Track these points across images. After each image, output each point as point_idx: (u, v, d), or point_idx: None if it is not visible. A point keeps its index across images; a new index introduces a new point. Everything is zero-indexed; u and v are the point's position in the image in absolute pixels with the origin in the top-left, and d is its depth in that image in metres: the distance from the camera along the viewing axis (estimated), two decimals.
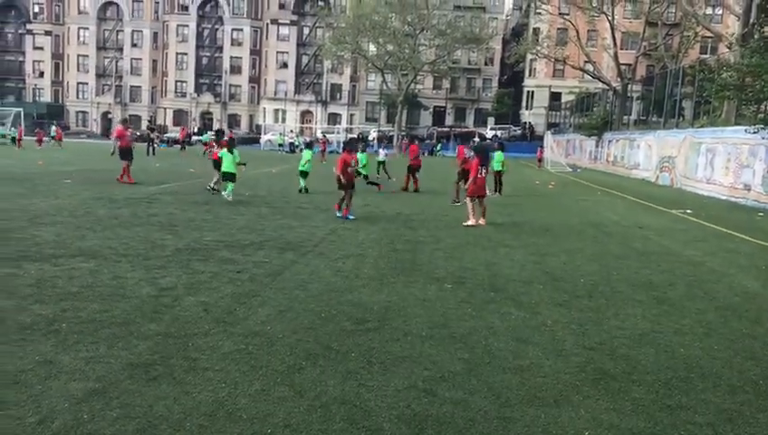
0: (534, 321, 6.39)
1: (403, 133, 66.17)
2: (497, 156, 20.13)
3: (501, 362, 5.16)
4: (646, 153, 34.04)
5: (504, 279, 8.24)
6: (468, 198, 13.59)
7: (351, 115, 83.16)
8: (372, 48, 66.62)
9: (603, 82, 49.66)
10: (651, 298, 7.59)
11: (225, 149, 16.07)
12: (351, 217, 13.30)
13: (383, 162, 24.84)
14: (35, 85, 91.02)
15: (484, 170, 13.51)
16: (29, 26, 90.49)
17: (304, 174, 18.96)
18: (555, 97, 71.57)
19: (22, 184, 17.59)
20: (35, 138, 47.37)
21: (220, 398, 4.25)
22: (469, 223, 13.13)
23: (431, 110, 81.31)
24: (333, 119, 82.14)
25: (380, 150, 25.43)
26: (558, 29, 62.57)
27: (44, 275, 7.32)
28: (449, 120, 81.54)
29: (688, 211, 17.86)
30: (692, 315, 6.91)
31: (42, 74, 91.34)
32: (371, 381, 4.65)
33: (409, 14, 63.04)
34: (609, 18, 47.01)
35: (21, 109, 56.58)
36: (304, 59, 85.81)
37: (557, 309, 6.87)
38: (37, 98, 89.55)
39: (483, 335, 5.85)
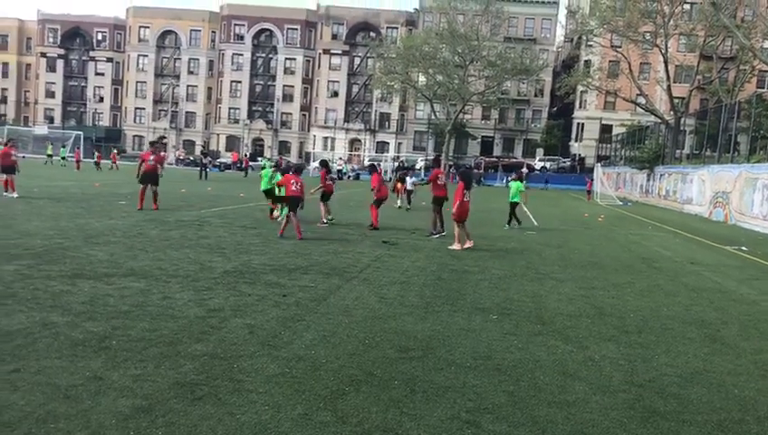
0: (581, 355, 6.27)
1: (451, 162, 66.18)
2: (514, 186, 19.14)
3: (546, 396, 5.07)
4: (699, 188, 33.27)
5: (551, 312, 8.12)
6: (455, 223, 13.72)
7: (399, 144, 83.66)
8: (422, 78, 67.15)
9: (656, 116, 48.92)
10: (703, 336, 7.37)
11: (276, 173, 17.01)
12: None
13: (410, 191, 24.90)
14: (95, 110, 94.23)
15: (468, 195, 13.89)
16: (92, 53, 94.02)
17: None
18: (606, 129, 70.77)
19: (78, 204, 18.15)
20: (94, 160, 48.91)
21: (263, 420, 4.27)
22: (455, 247, 13.38)
23: (479, 139, 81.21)
24: (381, 147, 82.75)
25: (408, 179, 25.43)
26: (610, 61, 62.04)
27: (97, 293, 7.52)
28: (497, 150, 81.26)
29: (743, 248, 17.33)
30: (747, 355, 6.67)
31: (102, 99, 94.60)
32: (414, 410, 4.61)
33: (460, 46, 63.43)
34: (663, 51, 46.43)
35: (81, 132, 58.57)
36: (354, 88, 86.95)
37: (605, 344, 6.73)
38: (97, 122, 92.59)
39: (528, 368, 5.76)
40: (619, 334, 7.16)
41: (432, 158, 20.56)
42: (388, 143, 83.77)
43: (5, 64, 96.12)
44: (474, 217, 21.25)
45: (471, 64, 64.67)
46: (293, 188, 13.74)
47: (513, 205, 18.95)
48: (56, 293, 7.36)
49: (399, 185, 25.75)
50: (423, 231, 16.19)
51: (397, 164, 26.08)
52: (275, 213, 16.94)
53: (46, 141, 58.46)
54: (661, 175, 41.50)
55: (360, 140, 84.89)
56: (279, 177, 15.41)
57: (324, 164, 18.35)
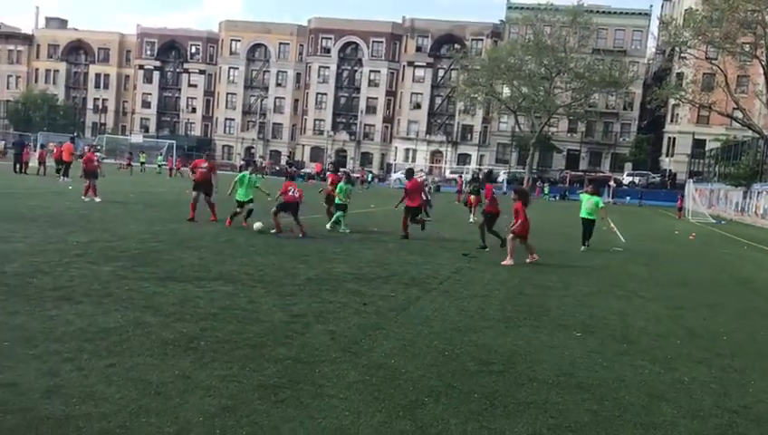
0: (670, 377, 6.03)
1: (534, 176, 65.19)
2: (593, 201, 16.53)
3: (632, 417, 4.91)
4: None
5: (638, 331, 7.85)
6: (511, 237, 13.26)
7: (482, 156, 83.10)
8: (506, 90, 66.55)
9: (754, 130, 46.64)
10: None
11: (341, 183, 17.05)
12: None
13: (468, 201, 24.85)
14: (188, 120, 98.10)
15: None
16: (186, 66, 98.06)
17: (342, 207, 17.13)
18: (699, 144, 67.98)
19: (171, 211, 18.92)
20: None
21: (343, 426, 4.33)
22: (508, 262, 12.81)
23: (564, 153, 79.64)
24: (463, 159, 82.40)
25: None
26: (704, 74, 59.63)
27: (187, 295, 7.82)
28: (583, 164, 79.48)
29: None
30: None
31: (194, 110, 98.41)
32: (494, 425, 4.56)
33: (546, 58, 62.55)
34: (763, 63, 44.28)
35: (174, 141, 61.09)
36: (437, 100, 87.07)
37: (695, 366, 6.45)
38: (189, 132, 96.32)
39: (613, 387, 5.59)
40: (711, 357, 6.85)
41: (486, 173, 19.31)
42: (470, 155, 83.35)
43: (107, 76, 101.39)
44: (558, 232, 20.86)
45: (557, 76, 63.66)
46: (291, 194, 14.75)
47: (586, 223, 16.52)
48: (149, 294, 7.70)
49: (473, 198, 24.78)
50: (497, 246, 15.98)
51: (470, 176, 25.28)
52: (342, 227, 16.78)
53: (137, 150, 61.11)
54: (759, 193, 39.46)
55: (441, 152, 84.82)
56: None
57: (410, 174, 18.07)
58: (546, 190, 58.89)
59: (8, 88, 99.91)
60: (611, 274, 12.80)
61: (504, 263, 12.73)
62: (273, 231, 14.62)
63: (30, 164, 34.11)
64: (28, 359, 5.11)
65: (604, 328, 7.87)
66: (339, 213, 16.83)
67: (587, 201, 16.68)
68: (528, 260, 13.22)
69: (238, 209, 15.60)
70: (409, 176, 17.59)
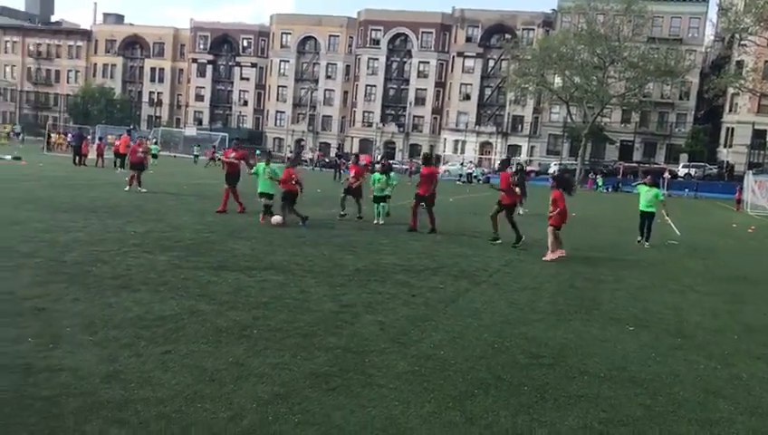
0: (726, 373, 5.89)
1: (586, 167, 64.07)
2: (653, 193, 15.69)
3: (686, 413, 4.81)
4: None
5: (693, 326, 7.68)
6: (552, 229, 12.46)
7: (532, 147, 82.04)
8: (558, 80, 65.41)
9: None
10: None
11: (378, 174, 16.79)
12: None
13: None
14: (240, 112, 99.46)
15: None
16: (238, 59, 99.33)
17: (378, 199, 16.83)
18: (759, 135, 65.67)
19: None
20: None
21: (393, 415, 4.36)
22: (550, 257, 12.16)
23: (618, 144, 77.89)
24: (513, 150, 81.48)
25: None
26: (765, 62, 57.59)
27: (240, 284, 7.97)
28: (637, 155, 77.60)
29: None
30: None
31: (246, 103, 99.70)
32: (545, 417, 4.53)
33: (599, 47, 61.15)
34: None
35: (226, 134, 62.07)
36: (487, 91, 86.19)
37: (754, 363, 6.28)
38: (241, 124, 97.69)
39: (667, 382, 5.49)
40: None
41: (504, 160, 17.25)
42: (520, 146, 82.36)
43: (161, 70, 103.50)
44: (611, 225, 20.48)
45: (611, 66, 62.18)
46: (293, 184, 14.39)
47: (645, 216, 15.72)
48: (203, 283, 7.87)
49: (518, 190, 24.16)
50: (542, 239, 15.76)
51: (515, 167, 24.48)
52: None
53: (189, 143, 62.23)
54: None
55: (491, 144, 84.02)
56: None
57: (427, 160, 16.48)
58: (600, 182, 57.81)
59: (68, 82, 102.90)
60: (666, 267, 12.52)
61: (545, 258, 12.16)
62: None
63: (89, 156, 35.09)
64: (89, 345, 5.30)
65: (658, 322, 7.72)
66: (382, 205, 16.49)
67: (645, 193, 15.84)
68: (550, 256, 12.22)
69: (269, 202, 14.46)
70: (427, 162, 16.15)
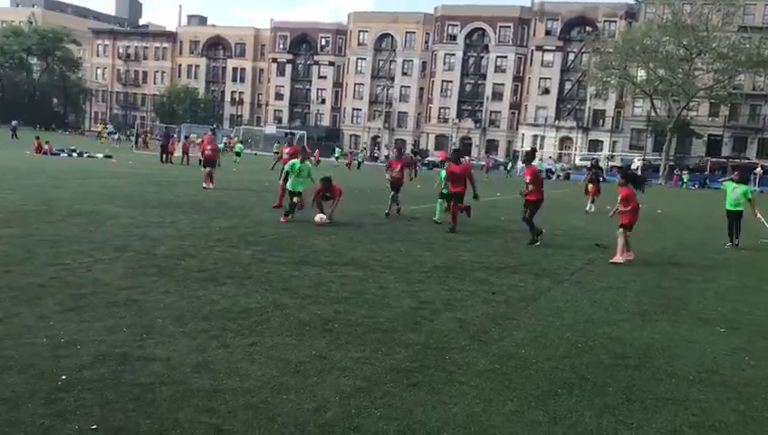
0: None
1: (671, 163, 61.81)
2: (740, 190, 14.52)
3: None
4: None
5: None
6: (621, 230, 11.36)
7: (614, 142, 79.79)
8: (641, 73, 63.34)
9: None
10: None
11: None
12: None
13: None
14: (318, 110, 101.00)
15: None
16: (316, 58, 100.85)
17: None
18: None
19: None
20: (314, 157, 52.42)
21: (475, 413, 4.35)
22: (618, 259, 11.10)
23: (705, 138, 74.80)
24: (594, 145, 79.51)
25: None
26: None
27: (321, 279, 8.11)
28: (726, 150, 74.25)
29: None
30: None
31: (323, 101, 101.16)
32: (631, 419, 4.42)
33: (685, 38, 58.83)
34: None
35: (305, 132, 63.16)
36: (567, 85, 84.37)
37: None
38: (318, 122, 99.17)
39: (762, 387, 5.25)
40: None
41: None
42: (601, 141, 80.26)
43: (243, 70, 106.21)
44: (698, 223, 19.70)
45: (698, 57, 59.75)
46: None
47: (732, 215, 14.58)
48: (286, 277, 8.06)
49: (591, 187, 22.37)
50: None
51: (590, 162, 23.19)
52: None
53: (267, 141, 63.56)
54: None
55: (570, 139, 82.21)
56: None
57: (457, 155, 15.17)
58: (685, 178, 55.72)
59: (155, 83, 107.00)
60: (758, 267, 11.97)
61: (613, 260, 11.13)
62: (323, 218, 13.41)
63: (175, 154, 36.41)
64: (179, 335, 5.51)
65: (750, 324, 7.40)
66: (439, 201, 15.33)
67: (732, 190, 14.57)
68: (619, 259, 11.16)
69: (295, 200, 13.59)
70: (457, 159, 14.58)
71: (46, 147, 35.94)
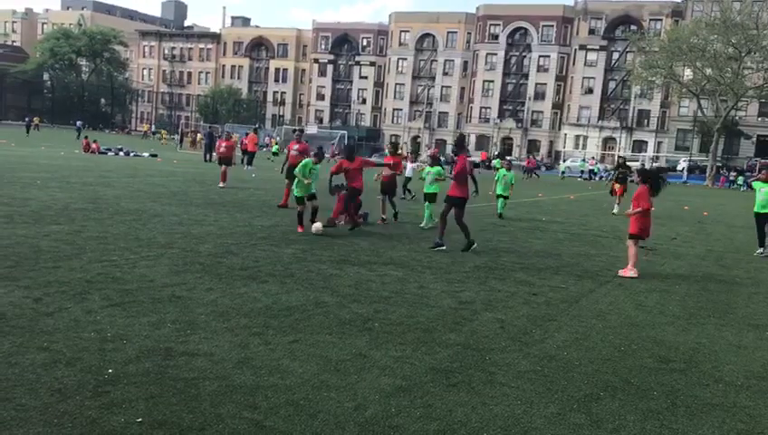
0: None
1: (718, 164, 60.30)
2: (759, 187, 13.20)
3: None
4: None
5: None
6: (631, 243, 9.92)
7: (659, 142, 78.24)
8: (688, 72, 61.95)
9: None
10: None
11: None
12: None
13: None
14: (359, 111, 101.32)
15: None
16: (357, 58, 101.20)
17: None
18: None
19: None
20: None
21: (516, 414, 4.32)
22: (629, 273, 9.67)
23: (754, 139, 72.83)
24: (638, 146, 78.06)
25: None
26: None
27: (361, 278, 8.14)
28: None
29: None
30: None
31: (364, 101, 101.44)
32: (676, 425, 4.33)
33: (734, 36, 57.29)
34: None
35: (345, 132, 63.48)
36: (611, 84, 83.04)
37: None
38: (359, 122, 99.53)
39: None
40: None
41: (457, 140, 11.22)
42: (646, 142, 78.76)
43: (285, 70, 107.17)
44: (746, 225, 19.19)
45: (747, 56, 58.10)
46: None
47: (761, 218, 13.22)
48: (326, 276, 8.11)
49: (618, 186, 21.07)
50: (671, 238, 14.98)
51: (618, 161, 21.83)
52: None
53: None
54: None
55: (614, 139, 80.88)
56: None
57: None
58: (740, 181, 54.33)
59: (199, 84, 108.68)
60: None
61: (621, 273, 9.76)
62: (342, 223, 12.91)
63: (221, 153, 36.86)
64: (222, 331, 5.59)
65: None
66: (426, 204, 13.89)
67: (760, 191, 13.13)
68: (631, 272, 9.70)
69: (299, 208, 11.99)
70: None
71: (94, 145, 36.81)
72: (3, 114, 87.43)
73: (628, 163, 22.68)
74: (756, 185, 13.47)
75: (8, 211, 11.27)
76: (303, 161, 12.28)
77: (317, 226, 11.58)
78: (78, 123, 62.19)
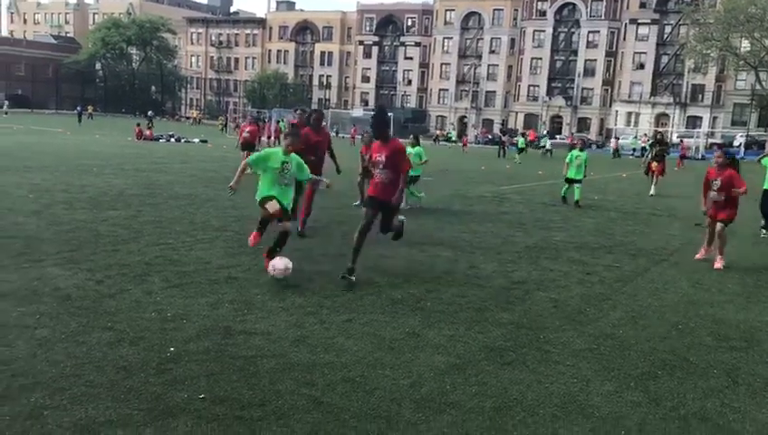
0: None
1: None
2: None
3: None
4: None
5: None
6: (721, 226, 8.96)
7: (714, 118, 75.86)
8: (745, 44, 59.78)
9: None
10: None
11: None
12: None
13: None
14: (404, 92, 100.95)
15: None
16: (402, 39, 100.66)
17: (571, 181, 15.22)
18: None
19: None
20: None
21: (572, 392, 4.30)
22: (720, 265, 8.69)
23: None
24: (693, 122, 75.86)
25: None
26: None
27: (412, 258, 8.18)
28: None
29: None
30: None
31: (409, 82, 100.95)
32: (737, 403, 4.26)
33: None
34: None
35: (391, 114, 63.41)
36: (663, 59, 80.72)
37: None
38: (405, 104, 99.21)
39: None
40: None
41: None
42: (700, 118, 76.45)
43: (330, 53, 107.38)
44: None
45: None
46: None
47: None
48: (377, 256, 8.15)
49: (655, 165, 19.58)
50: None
51: (653, 138, 19.93)
52: None
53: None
54: None
55: (667, 115, 78.75)
56: None
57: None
58: None
59: (246, 69, 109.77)
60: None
61: (717, 266, 8.72)
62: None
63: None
64: (278, 311, 5.70)
65: None
66: (576, 186, 14.51)
67: None
68: (719, 265, 8.73)
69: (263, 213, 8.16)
70: (318, 127, 10.56)
71: (148, 133, 37.60)
72: (59, 104, 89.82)
73: (664, 139, 21.13)
74: (766, 162, 12.19)
75: (67, 197, 11.64)
76: (264, 151, 8.12)
77: (279, 266, 6.66)
78: (150, 113, 63.02)
